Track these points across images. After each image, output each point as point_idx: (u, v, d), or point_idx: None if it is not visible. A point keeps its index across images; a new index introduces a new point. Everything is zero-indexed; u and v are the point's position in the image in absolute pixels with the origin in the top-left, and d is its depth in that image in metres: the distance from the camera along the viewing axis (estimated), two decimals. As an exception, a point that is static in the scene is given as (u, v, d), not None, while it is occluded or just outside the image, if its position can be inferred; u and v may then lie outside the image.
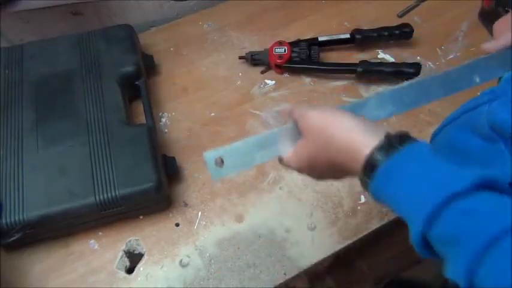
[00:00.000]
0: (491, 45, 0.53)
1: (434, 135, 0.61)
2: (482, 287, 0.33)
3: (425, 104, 0.52)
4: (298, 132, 0.48)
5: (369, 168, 0.40)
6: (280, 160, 0.50)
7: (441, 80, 0.53)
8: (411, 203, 0.38)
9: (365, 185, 0.41)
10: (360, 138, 0.41)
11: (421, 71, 0.83)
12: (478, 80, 0.54)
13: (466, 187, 0.35)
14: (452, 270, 0.35)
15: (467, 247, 0.34)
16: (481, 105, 0.52)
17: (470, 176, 0.35)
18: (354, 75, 0.85)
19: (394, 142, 0.39)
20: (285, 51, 0.86)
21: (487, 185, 0.36)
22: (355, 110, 0.49)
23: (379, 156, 0.39)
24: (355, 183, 0.73)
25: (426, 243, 0.37)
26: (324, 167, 0.46)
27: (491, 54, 0.54)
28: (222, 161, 0.48)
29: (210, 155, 0.47)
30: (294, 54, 0.86)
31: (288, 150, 0.49)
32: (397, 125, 0.80)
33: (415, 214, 0.37)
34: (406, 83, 0.52)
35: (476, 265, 0.33)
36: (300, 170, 0.49)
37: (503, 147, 0.47)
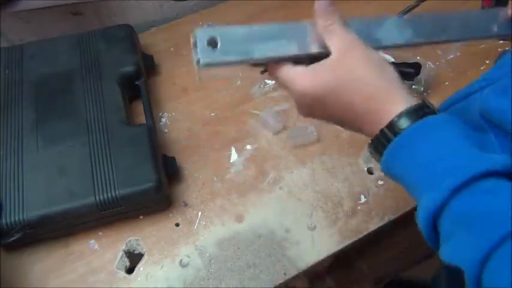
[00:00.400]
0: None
1: None
2: (493, 275, 0.32)
3: (442, 41, 0.49)
4: (314, 42, 0.42)
5: (395, 124, 0.38)
6: (274, 69, 0.43)
7: (460, 19, 0.50)
8: (439, 167, 0.36)
9: (380, 141, 0.39)
10: (397, 91, 0.39)
11: (421, 71, 0.83)
12: (495, 29, 0.51)
13: (504, 166, 0.34)
14: (457, 251, 0.34)
15: (488, 233, 0.32)
16: (472, 94, 0.50)
17: (502, 160, 0.35)
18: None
19: (430, 106, 0.39)
20: (285, 51, 0.86)
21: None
22: (370, 27, 0.45)
23: (410, 116, 0.38)
24: (355, 183, 0.73)
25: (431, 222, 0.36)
26: (339, 104, 0.40)
27: None
28: (216, 43, 0.41)
29: (203, 32, 0.40)
30: (294, 54, 0.86)
31: (292, 55, 0.41)
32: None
33: (441, 180, 0.35)
34: (425, 14, 0.49)
35: (493, 252, 0.32)
36: (304, 95, 0.41)
37: (493, 138, 0.44)
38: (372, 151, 0.41)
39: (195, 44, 0.41)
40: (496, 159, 0.35)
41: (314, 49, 0.42)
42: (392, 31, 0.46)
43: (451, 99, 0.54)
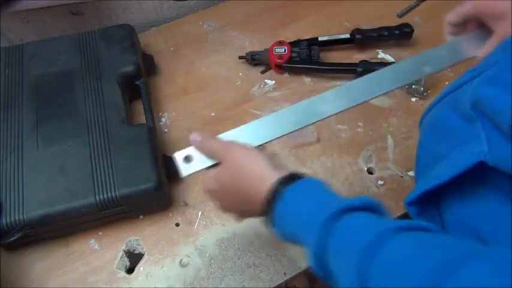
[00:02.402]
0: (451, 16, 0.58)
1: (423, 117, 0.60)
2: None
3: (379, 94, 0.57)
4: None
5: (273, 194, 0.45)
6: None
7: (391, 72, 0.58)
8: (308, 220, 0.42)
9: (269, 210, 0.46)
10: (270, 172, 0.47)
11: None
12: (428, 69, 0.58)
13: (346, 207, 0.41)
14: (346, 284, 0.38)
15: (351, 260, 0.37)
16: (463, 85, 0.52)
17: (343, 203, 0.42)
18: (353, 75, 0.85)
19: (295, 176, 0.46)
20: (285, 51, 0.86)
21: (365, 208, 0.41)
22: (315, 104, 0.56)
23: (282, 185, 0.45)
24: (355, 183, 0.73)
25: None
26: (235, 193, 0.50)
27: (442, 45, 0.60)
28: (191, 158, 0.54)
29: (179, 153, 0.54)
30: (294, 54, 0.86)
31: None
32: (398, 124, 0.80)
33: (311, 230, 0.41)
34: (359, 79, 0.58)
35: (364, 277, 0.35)
36: (215, 192, 0.53)
37: (480, 127, 0.46)
38: (267, 224, 0.47)
39: (175, 160, 0.54)
40: (352, 200, 0.42)
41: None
42: (331, 102, 0.56)
43: (445, 90, 0.56)
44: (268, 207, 0.45)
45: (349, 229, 0.39)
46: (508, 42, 0.48)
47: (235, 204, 0.52)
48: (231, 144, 0.52)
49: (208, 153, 0.53)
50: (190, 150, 0.54)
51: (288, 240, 0.46)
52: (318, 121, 0.56)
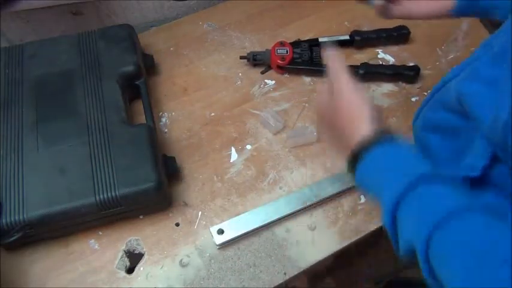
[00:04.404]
0: None
1: (416, 117, 0.62)
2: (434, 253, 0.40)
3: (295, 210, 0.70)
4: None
5: (361, 148, 0.48)
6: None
7: (311, 191, 0.72)
8: (387, 184, 0.45)
9: (354, 160, 0.48)
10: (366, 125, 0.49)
11: (421, 71, 0.83)
12: (336, 188, 0.72)
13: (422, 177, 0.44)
14: (408, 239, 0.43)
15: (427, 220, 0.41)
16: (448, 82, 0.54)
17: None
18: (354, 77, 0.85)
19: (383, 135, 0.48)
20: (287, 52, 0.86)
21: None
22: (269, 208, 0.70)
23: (371, 142, 0.48)
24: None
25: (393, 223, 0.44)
26: (336, 120, 0.51)
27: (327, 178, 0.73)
28: (223, 231, 0.67)
29: (214, 227, 0.68)
30: (295, 56, 0.86)
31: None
32: (398, 124, 0.80)
33: (389, 191, 0.44)
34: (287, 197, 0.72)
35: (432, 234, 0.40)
36: (326, 108, 0.54)
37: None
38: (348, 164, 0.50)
39: (211, 232, 0.68)
40: (425, 168, 0.45)
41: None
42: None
43: (433, 90, 0.58)
44: (354, 157, 0.47)
45: (421, 200, 0.43)
46: (488, 40, 0.50)
47: (335, 129, 0.53)
48: (350, 82, 0.54)
49: (332, 73, 0.55)
50: (222, 225, 0.68)
51: (363, 188, 0.49)
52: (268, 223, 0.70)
